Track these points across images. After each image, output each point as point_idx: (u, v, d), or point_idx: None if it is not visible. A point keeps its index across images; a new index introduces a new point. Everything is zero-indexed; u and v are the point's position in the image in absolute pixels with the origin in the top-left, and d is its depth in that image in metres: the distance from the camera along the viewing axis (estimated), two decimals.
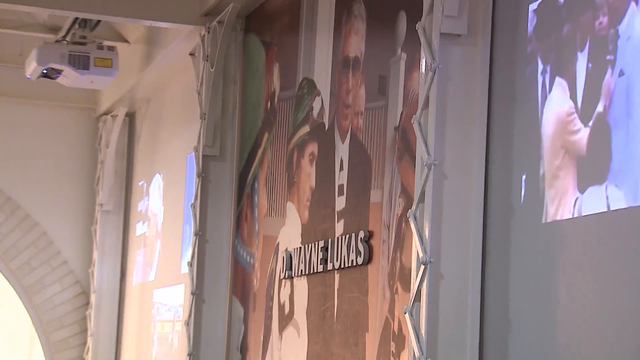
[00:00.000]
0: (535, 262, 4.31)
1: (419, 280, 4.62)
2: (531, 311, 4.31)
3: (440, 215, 4.64)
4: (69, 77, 8.52)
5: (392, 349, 5.23)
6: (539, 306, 4.26)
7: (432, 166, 4.66)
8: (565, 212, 4.14)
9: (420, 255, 4.62)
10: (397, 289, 5.24)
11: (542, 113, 4.37)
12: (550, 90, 4.33)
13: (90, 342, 9.80)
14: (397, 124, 5.40)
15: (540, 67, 4.41)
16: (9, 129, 10.07)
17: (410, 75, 5.31)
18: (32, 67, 8.47)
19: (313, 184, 6.35)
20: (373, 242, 5.53)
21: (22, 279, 9.96)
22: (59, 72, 8.49)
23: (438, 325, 4.56)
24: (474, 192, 4.65)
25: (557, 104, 4.27)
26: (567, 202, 4.14)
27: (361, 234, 5.59)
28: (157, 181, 9.24)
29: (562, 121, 4.23)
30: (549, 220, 4.24)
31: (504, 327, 4.45)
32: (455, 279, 4.59)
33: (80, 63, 8.45)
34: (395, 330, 5.21)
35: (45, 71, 8.46)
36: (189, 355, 7.36)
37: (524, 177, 4.43)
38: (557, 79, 4.28)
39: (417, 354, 4.56)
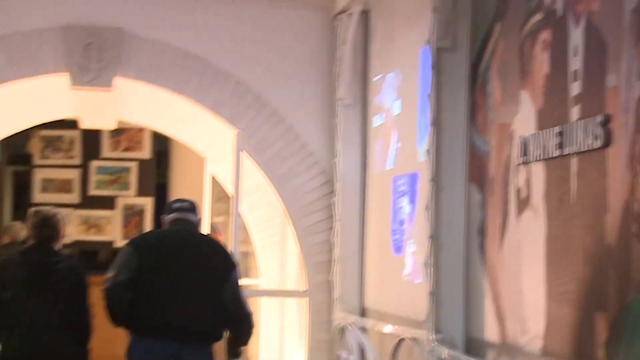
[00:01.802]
0: None
1: None
2: None
3: None
4: None
5: (634, 229, 5.32)
6: None
7: None
8: None
9: None
10: (638, 171, 5.29)
11: None
12: None
13: (337, 226, 10.38)
14: (635, 6, 5.36)
15: None
16: (255, 31, 10.69)
17: None
18: None
19: (546, 70, 6.41)
20: (611, 125, 5.56)
21: (274, 169, 10.67)
22: None
23: None
24: None
25: None
26: None
27: (598, 118, 5.64)
28: (392, 75, 9.51)
29: None
30: None
31: None
32: None
33: None
34: (636, 211, 5.28)
35: None
36: (430, 237, 7.70)
37: None
38: None
39: None
